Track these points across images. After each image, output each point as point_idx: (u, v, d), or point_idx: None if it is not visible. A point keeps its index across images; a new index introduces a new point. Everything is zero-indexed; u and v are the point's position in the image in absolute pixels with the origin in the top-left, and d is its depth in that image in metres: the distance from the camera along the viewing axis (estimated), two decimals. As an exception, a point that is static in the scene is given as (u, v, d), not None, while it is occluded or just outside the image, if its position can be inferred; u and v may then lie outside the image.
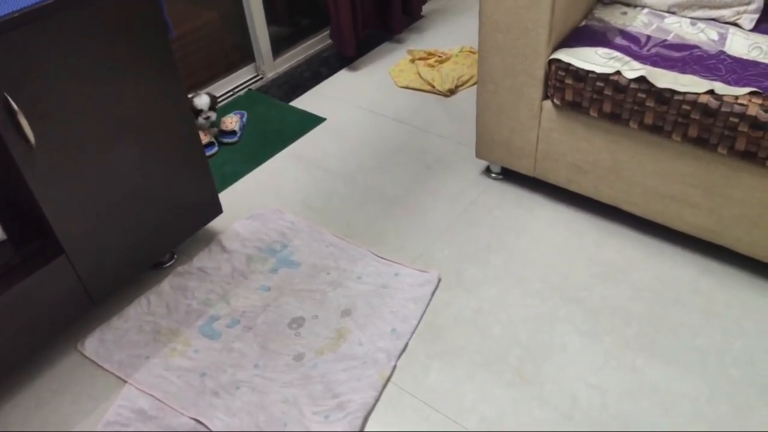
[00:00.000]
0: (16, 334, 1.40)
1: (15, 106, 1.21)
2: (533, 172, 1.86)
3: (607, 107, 1.56)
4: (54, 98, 1.29)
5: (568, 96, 1.61)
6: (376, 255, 1.77)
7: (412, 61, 2.61)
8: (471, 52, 2.61)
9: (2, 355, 1.39)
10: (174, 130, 1.57)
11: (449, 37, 2.81)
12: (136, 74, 1.43)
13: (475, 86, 2.46)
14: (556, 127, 1.71)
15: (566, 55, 1.58)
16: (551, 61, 1.61)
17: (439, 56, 2.58)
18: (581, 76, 1.56)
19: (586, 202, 1.88)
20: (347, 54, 2.58)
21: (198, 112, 2.17)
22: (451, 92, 2.43)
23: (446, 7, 3.08)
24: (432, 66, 2.54)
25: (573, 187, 1.80)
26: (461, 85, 2.46)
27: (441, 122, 2.30)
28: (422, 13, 2.91)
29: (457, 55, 2.58)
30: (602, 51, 1.59)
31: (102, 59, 1.34)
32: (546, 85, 1.67)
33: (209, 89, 2.48)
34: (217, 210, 1.81)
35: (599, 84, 1.54)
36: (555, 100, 1.65)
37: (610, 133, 1.62)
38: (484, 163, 2.07)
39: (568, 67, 1.57)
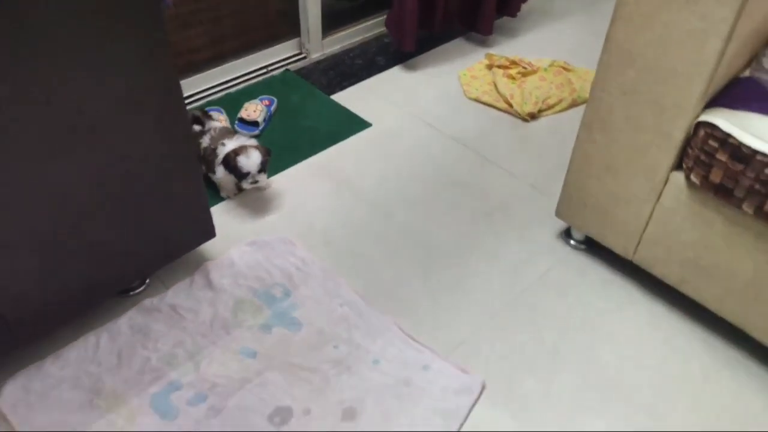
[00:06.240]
0: None
1: None
2: (632, 255, 1.39)
3: (773, 206, 1.07)
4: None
5: (715, 177, 1.12)
6: (402, 331, 1.33)
7: (490, 67, 2.12)
8: (564, 68, 2.10)
9: None
10: (155, 133, 1.14)
11: (541, 46, 2.30)
12: (99, 53, 0.99)
13: (562, 113, 1.97)
14: (682, 210, 1.23)
15: (726, 121, 1.09)
16: (700, 124, 1.12)
17: (524, 67, 2.09)
18: (744, 156, 1.07)
19: (698, 311, 1.37)
20: (405, 48, 2.09)
21: (243, 175, 1.53)
22: (532, 117, 1.95)
23: (545, 8, 2.55)
24: (513, 78, 2.05)
25: (686, 290, 1.32)
26: (546, 109, 1.97)
27: (514, 154, 1.82)
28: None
29: (545, 70, 2.09)
30: (780, 122, 1.10)
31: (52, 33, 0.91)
32: (683, 154, 1.19)
33: (238, 62, 2.04)
34: (208, 234, 1.39)
35: (770, 172, 1.05)
36: (693, 177, 1.16)
37: (765, 240, 1.14)
38: (563, 224, 1.59)
39: (725, 139, 1.08)
